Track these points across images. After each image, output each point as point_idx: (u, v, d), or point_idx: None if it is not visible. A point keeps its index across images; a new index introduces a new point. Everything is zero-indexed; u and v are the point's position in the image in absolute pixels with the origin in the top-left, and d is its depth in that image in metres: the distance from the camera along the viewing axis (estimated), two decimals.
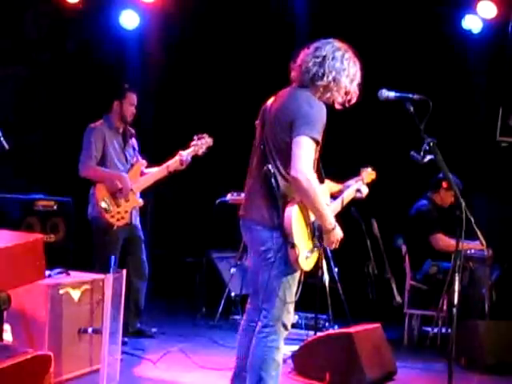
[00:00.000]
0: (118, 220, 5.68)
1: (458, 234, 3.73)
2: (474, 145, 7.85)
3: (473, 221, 3.78)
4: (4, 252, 3.80)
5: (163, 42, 8.46)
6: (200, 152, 5.97)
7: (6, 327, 4.19)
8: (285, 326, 3.75)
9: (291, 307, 3.76)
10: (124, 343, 5.26)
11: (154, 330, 6.06)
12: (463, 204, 3.71)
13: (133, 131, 5.97)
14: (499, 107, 7.54)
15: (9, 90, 8.40)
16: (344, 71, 3.78)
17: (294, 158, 3.56)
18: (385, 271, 7.04)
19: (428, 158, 3.87)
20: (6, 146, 5.08)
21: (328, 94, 3.78)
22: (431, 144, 3.81)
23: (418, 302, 6.61)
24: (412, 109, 3.83)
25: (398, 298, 6.83)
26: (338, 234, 3.80)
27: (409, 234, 6.78)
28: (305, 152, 3.56)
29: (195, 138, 5.99)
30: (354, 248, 7.21)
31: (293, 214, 3.64)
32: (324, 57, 3.77)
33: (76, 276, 4.94)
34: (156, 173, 5.87)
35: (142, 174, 5.90)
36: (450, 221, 6.41)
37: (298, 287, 3.80)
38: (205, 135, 6.01)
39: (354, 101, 3.89)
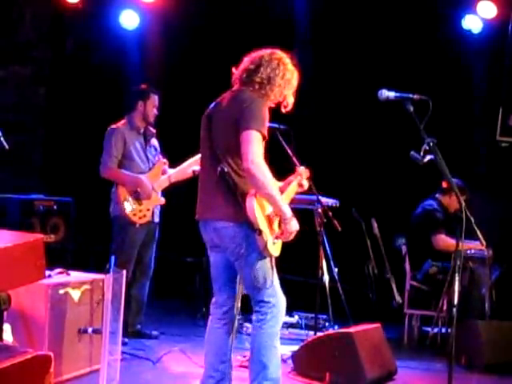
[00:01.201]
0: (140, 218, 5.74)
1: (458, 234, 3.73)
2: (474, 145, 7.85)
3: (473, 221, 3.78)
4: (4, 252, 3.80)
5: (163, 42, 8.46)
6: None
7: (6, 327, 4.18)
8: (280, 310, 3.97)
9: (278, 289, 3.98)
10: (124, 343, 5.26)
11: (154, 332, 6.05)
12: (463, 204, 3.71)
13: (154, 131, 6.02)
14: (499, 107, 7.54)
15: (9, 89, 8.40)
16: (279, 73, 3.99)
17: (244, 151, 3.77)
18: (385, 271, 7.04)
19: (428, 157, 3.87)
20: (6, 146, 5.08)
21: (263, 91, 3.96)
22: (431, 144, 3.81)
23: (418, 302, 6.61)
24: (412, 109, 3.84)
25: (398, 298, 6.83)
26: (294, 225, 3.91)
27: (411, 232, 6.78)
28: (254, 144, 3.77)
29: None
30: (353, 248, 7.23)
31: (253, 203, 3.82)
32: (261, 57, 4.04)
33: (76, 276, 4.94)
34: (177, 172, 5.91)
35: (164, 172, 5.95)
36: (453, 225, 6.42)
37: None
38: None
39: (289, 108, 4.10)
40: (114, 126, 5.86)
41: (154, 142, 6.07)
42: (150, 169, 5.89)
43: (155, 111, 5.95)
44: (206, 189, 4.01)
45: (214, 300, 4.15)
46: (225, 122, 3.92)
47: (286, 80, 4.02)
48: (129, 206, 5.70)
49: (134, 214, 5.72)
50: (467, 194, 6.22)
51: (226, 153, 3.89)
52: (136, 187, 5.72)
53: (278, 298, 3.97)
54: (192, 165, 5.93)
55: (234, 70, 4.16)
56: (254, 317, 3.98)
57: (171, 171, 5.95)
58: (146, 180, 5.77)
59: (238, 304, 4.13)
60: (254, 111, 3.83)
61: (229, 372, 4.05)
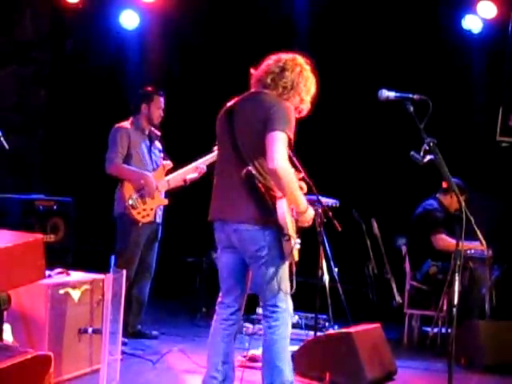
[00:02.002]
0: (143, 217, 5.75)
1: (458, 234, 3.73)
2: (474, 145, 7.85)
3: (473, 221, 3.78)
4: (4, 252, 3.80)
5: (163, 42, 8.46)
6: None
7: (6, 327, 4.18)
8: (290, 313, 4.00)
9: (289, 296, 4.01)
10: (124, 343, 5.26)
11: (154, 332, 6.06)
12: (463, 204, 3.71)
13: (158, 133, 6.03)
14: (499, 107, 7.54)
15: (9, 89, 8.40)
16: (302, 79, 4.03)
17: (270, 151, 3.77)
18: (385, 271, 7.04)
19: (428, 158, 3.87)
20: (6, 146, 5.09)
21: (285, 96, 3.99)
22: (431, 144, 3.81)
23: (418, 302, 6.61)
24: (412, 109, 3.84)
25: (398, 298, 6.83)
26: (311, 212, 4.00)
27: (411, 232, 6.77)
28: (280, 145, 3.77)
29: None
30: (354, 248, 7.23)
31: (285, 208, 3.83)
32: (286, 62, 4.03)
33: (76, 276, 4.94)
34: (181, 174, 5.93)
35: (167, 174, 5.96)
36: (453, 225, 6.42)
37: (292, 278, 4.02)
38: None
39: (304, 113, 4.13)
40: (119, 125, 5.88)
41: (158, 144, 6.08)
42: (154, 169, 5.90)
43: (160, 113, 5.96)
44: (228, 189, 3.95)
45: (220, 300, 4.15)
46: (251, 123, 3.90)
47: (307, 87, 4.07)
48: (132, 202, 5.71)
49: (138, 213, 5.73)
50: (467, 194, 6.22)
51: (252, 154, 3.87)
52: (141, 183, 5.72)
53: (288, 302, 3.98)
54: (188, 172, 5.95)
55: (252, 70, 4.13)
56: (265, 323, 3.97)
57: (169, 177, 5.96)
58: (151, 176, 5.79)
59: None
60: (282, 113, 3.84)
61: (231, 373, 4.07)
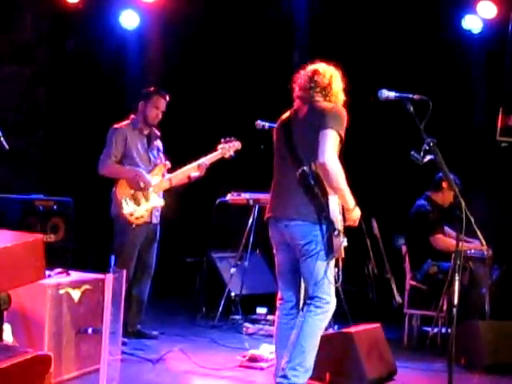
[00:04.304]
0: (136, 219, 5.73)
1: (457, 234, 3.73)
2: (474, 145, 7.85)
3: (473, 221, 3.78)
4: (4, 252, 3.80)
5: (163, 42, 8.45)
6: (227, 155, 6.07)
7: (6, 327, 4.18)
8: (332, 309, 4.24)
9: (333, 289, 4.26)
10: (124, 343, 5.26)
11: (154, 332, 6.05)
12: (463, 204, 3.71)
13: (158, 133, 6.02)
14: (499, 107, 7.54)
15: (9, 89, 8.40)
16: (339, 85, 4.39)
17: (320, 147, 4.03)
18: (385, 271, 7.04)
19: (428, 157, 3.88)
20: (6, 146, 5.08)
21: (331, 98, 4.32)
22: (431, 144, 3.82)
23: (418, 302, 6.60)
24: (412, 109, 3.85)
25: (398, 298, 6.83)
26: (358, 212, 4.26)
27: (409, 233, 6.77)
28: (331, 142, 4.05)
29: (222, 140, 6.05)
30: (354, 248, 7.21)
31: (336, 204, 4.10)
32: (330, 73, 4.38)
33: (76, 276, 4.93)
34: (179, 174, 5.91)
35: (164, 175, 5.94)
36: (449, 220, 6.42)
37: (339, 273, 4.36)
38: (232, 138, 6.07)
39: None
40: (116, 126, 5.87)
41: (158, 143, 6.07)
42: (150, 170, 5.89)
43: (157, 113, 5.89)
44: (283, 189, 4.24)
45: (279, 296, 4.38)
46: (307, 127, 4.17)
47: (342, 96, 4.40)
48: (126, 206, 5.70)
49: (131, 215, 5.71)
50: (458, 188, 6.21)
51: (309, 156, 4.11)
52: (137, 179, 5.69)
53: (332, 297, 4.21)
54: (190, 170, 5.93)
55: (295, 85, 4.39)
56: (304, 308, 4.18)
57: (171, 175, 5.95)
58: (144, 172, 5.76)
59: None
60: (335, 114, 4.14)
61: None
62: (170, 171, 6.00)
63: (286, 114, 4.42)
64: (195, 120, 8.22)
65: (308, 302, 4.19)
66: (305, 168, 4.09)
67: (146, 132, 5.94)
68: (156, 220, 5.92)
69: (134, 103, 5.99)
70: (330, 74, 4.34)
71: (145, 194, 5.79)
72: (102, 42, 8.55)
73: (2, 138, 5.07)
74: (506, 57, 7.55)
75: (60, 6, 8.15)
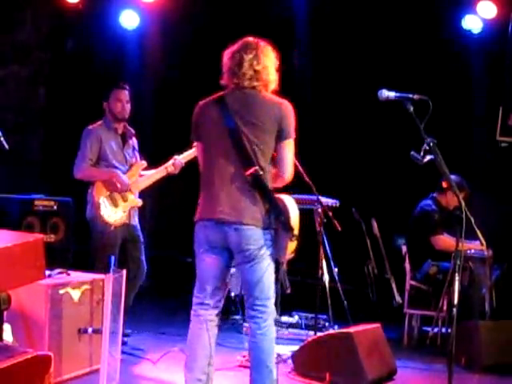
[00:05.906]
0: (114, 220, 5.65)
1: (458, 234, 3.73)
2: (474, 145, 7.85)
3: (473, 221, 3.78)
4: (4, 252, 3.80)
5: (163, 42, 8.46)
6: None
7: (6, 327, 4.18)
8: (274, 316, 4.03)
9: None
10: (124, 343, 5.25)
11: (128, 331, 5.93)
12: (463, 204, 3.71)
13: (133, 131, 5.96)
14: (499, 107, 7.54)
15: (9, 89, 8.40)
16: (273, 63, 4.10)
17: (287, 161, 3.91)
18: (385, 271, 7.04)
19: (428, 157, 3.88)
20: (6, 146, 5.08)
21: (271, 86, 4.02)
22: (431, 144, 3.81)
23: (418, 302, 6.60)
24: (412, 109, 3.84)
25: (398, 298, 6.83)
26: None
27: (410, 233, 6.77)
28: (292, 154, 3.93)
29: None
30: (354, 248, 7.23)
31: (296, 210, 3.91)
32: (256, 55, 4.13)
33: (76, 276, 4.94)
34: (155, 174, 5.86)
35: (141, 175, 5.88)
36: (448, 225, 6.42)
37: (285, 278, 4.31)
38: None
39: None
40: (89, 127, 5.79)
41: (134, 141, 5.97)
42: (127, 170, 5.78)
43: (121, 105, 5.79)
44: (228, 189, 3.90)
45: (201, 301, 4.07)
46: (261, 125, 3.87)
47: (275, 66, 4.16)
48: (104, 208, 5.61)
49: (109, 216, 5.62)
50: (466, 191, 6.22)
51: (259, 154, 3.85)
52: (113, 180, 5.62)
53: (273, 304, 4.01)
54: (157, 175, 5.79)
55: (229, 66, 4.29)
56: (253, 324, 3.92)
57: (149, 172, 5.86)
58: (120, 172, 5.69)
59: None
60: (292, 119, 3.93)
61: (212, 374, 4.03)
62: (148, 169, 5.92)
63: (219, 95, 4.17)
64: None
65: (252, 313, 3.94)
66: (257, 168, 3.80)
67: (120, 131, 5.86)
68: (134, 221, 5.81)
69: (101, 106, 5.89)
70: (268, 55, 4.16)
71: (122, 195, 5.70)
72: (102, 42, 8.55)
73: (2, 138, 5.07)
74: (506, 57, 7.55)
75: (60, 5, 8.15)
